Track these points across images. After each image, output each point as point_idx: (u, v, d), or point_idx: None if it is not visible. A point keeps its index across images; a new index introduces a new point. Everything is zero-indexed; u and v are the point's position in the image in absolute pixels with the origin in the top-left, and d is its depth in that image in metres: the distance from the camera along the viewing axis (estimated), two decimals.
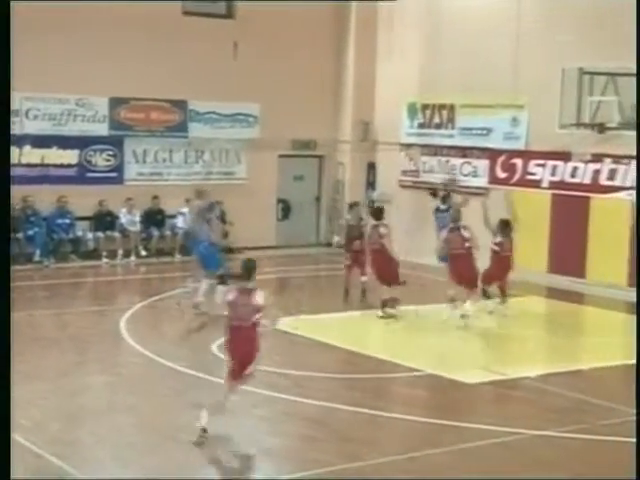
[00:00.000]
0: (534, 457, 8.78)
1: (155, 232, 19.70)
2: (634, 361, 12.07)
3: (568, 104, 16.95)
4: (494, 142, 18.80)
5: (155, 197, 19.79)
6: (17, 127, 17.81)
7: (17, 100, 17.67)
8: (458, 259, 13.96)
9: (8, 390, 6.29)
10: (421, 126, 20.43)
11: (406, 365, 11.68)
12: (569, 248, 17.42)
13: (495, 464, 8.54)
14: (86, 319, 14.08)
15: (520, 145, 18.36)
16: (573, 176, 17.41)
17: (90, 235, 19.21)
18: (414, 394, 10.91)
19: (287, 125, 20.43)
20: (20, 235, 17.89)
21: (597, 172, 17.00)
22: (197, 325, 13.60)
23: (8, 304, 6.53)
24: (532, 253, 17.33)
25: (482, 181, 19.04)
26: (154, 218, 19.83)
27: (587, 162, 17.07)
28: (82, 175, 19.18)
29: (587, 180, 17.18)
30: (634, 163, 16.29)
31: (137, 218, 19.57)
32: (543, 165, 17.90)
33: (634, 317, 15.17)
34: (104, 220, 19.35)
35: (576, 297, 16.57)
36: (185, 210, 19.05)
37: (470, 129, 19.31)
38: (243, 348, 8.84)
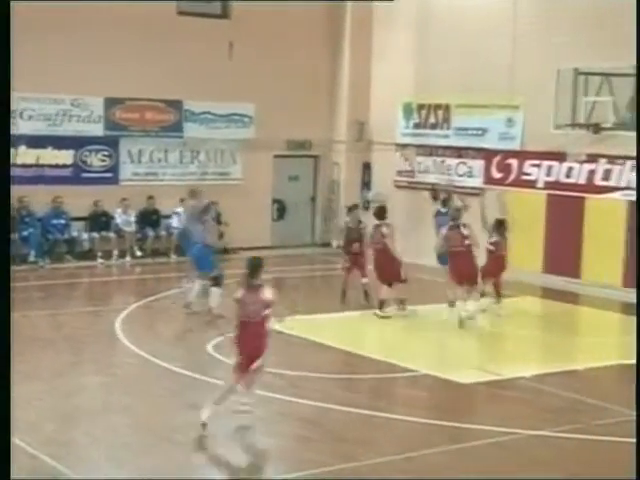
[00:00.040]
0: (529, 457, 8.79)
1: (150, 232, 19.69)
2: (629, 361, 12.11)
3: (563, 104, 16.98)
4: (489, 142, 18.81)
5: (150, 197, 19.78)
6: (12, 127, 17.77)
7: (12, 100, 17.63)
8: (457, 256, 14.04)
9: (8, 390, 6.30)
10: (416, 126, 20.43)
11: (401, 365, 11.68)
12: (564, 248, 17.44)
13: (491, 464, 8.55)
14: (81, 319, 14.07)
15: (515, 145, 18.38)
16: (568, 176, 17.43)
17: (85, 235, 19.19)
18: (409, 394, 10.91)
19: (282, 125, 20.43)
20: (15, 236, 17.85)
21: (592, 172, 17.02)
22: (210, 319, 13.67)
23: (8, 304, 6.54)
24: (527, 253, 17.35)
25: (477, 181, 19.05)
26: (149, 218, 19.81)
27: (582, 162, 17.09)
28: (77, 175, 19.15)
29: (582, 180, 17.20)
30: (629, 163, 16.33)
31: (132, 218, 19.55)
32: (538, 165, 17.92)
33: (629, 317, 15.21)
34: (99, 220, 19.33)
35: (571, 297, 16.58)
36: (180, 210, 19.05)
37: (465, 129, 19.32)
38: (252, 343, 9.03)
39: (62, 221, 18.83)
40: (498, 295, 14.87)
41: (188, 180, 19.76)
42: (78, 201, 18.93)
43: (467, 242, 13.97)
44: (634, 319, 14.85)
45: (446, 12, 19.61)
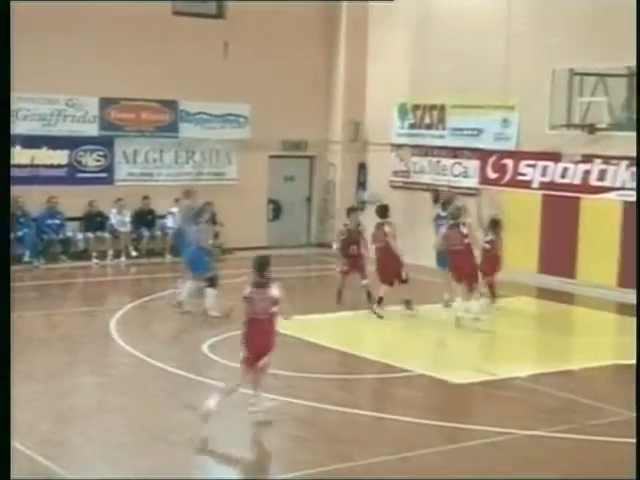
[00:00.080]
0: (525, 457, 8.79)
1: (145, 232, 19.67)
2: (625, 361, 12.14)
3: (558, 105, 17.00)
4: (485, 143, 18.83)
5: (145, 197, 19.76)
6: None
7: None
8: (457, 255, 14.09)
9: (8, 390, 6.30)
10: (412, 126, 20.44)
11: (397, 365, 11.68)
12: (559, 248, 17.45)
13: (486, 464, 8.54)
14: (76, 320, 14.05)
15: (511, 146, 18.39)
16: (563, 177, 17.45)
17: (80, 236, 19.17)
18: (405, 394, 10.91)
19: (278, 125, 20.43)
20: (10, 236, 17.82)
21: (587, 173, 17.04)
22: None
23: (8, 304, 6.54)
24: (522, 253, 17.38)
25: (473, 182, 19.07)
26: (144, 218, 19.79)
27: (577, 163, 17.11)
28: (72, 175, 19.13)
29: (577, 181, 17.22)
30: (624, 164, 16.35)
31: (127, 218, 19.54)
32: (533, 166, 17.93)
33: (624, 317, 15.25)
34: (94, 220, 19.31)
35: (566, 297, 16.60)
36: (175, 210, 19.03)
37: (461, 130, 19.33)
38: (260, 340, 9.13)
39: (57, 221, 18.81)
40: (493, 295, 14.90)
41: (183, 180, 19.75)
42: (73, 201, 18.90)
43: (466, 241, 14.04)
44: (629, 319, 14.90)
45: (441, 13, 19.63)
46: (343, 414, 9.75)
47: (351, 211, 15.80)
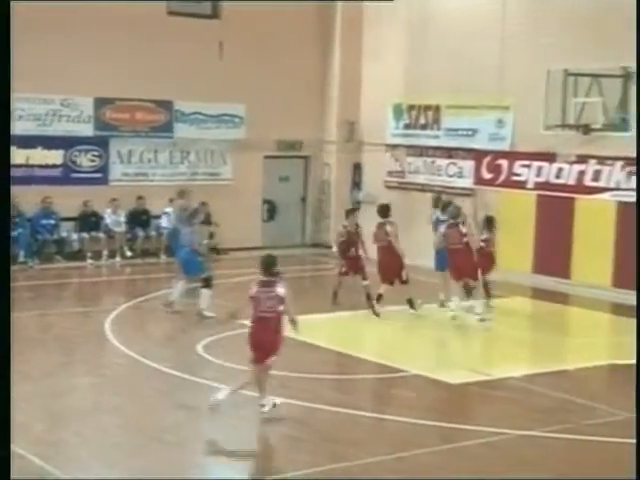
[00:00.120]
0: (519, 457, 8.80)
1: (140, 233, 19.65)
2: (619, 361, 12.18)
3: (553, 105, 17.03)
4: (479, 143, 18.84)
5: (140, 198, 19.74)
6: None
7: None
8: (456, 254, 14.17)
9: (8, 390, 6.29)
10: (407, 127, 20.45)
11: (392, 366, 11.69)
12: (554, 249, 17.47)
13: (481, 464, 8.55)
14: (71, 320, 14.03)
15: (505, 146, 18.41)
16: (558, 177, 17.47)
17: (75, 236, 19.14)
18: (400, 395, 10.92)
19: (273, 126, 20.42)
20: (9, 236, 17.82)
21: (582, 173, 17.06)
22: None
23: (8, 304, 6.53)
24: (517, 254, 17.39)
25: (467, 182, 19.09)
26: (139, 219, 19.78)
27: (572, 163, 17.14)
28: (67, 176, 19.10)
29: (572, 181, 17.24)
30: (618, 164, 16.38)
31: (122, 219, 19.52)
32: (528, 166, 17.95)
33: (619, 317, 15.30)
34: (89, 221, 19.29)
35: (561, 297, 16.62)
36: (169, 210, 19.03)
37: (456, 130, 19.35)
38: (268, 338, 9.24)
39: (51, 221, 18.78)
40: (488, 295, 14.92)
41: (178, 180, 19.74)
42: (68, 201, 18.87)
43: (466, 240, 14.13)
44: (624, 319, 14.95)
45: (436, 13, 19.64)
46: (338, 414, 9.75)
47: (349, 212, 15.81)
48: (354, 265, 15.02)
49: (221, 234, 19.86)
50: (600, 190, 16.78)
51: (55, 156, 18.95)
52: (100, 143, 19.36)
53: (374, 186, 20.88)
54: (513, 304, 15.81)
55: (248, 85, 20.08)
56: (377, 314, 14.36)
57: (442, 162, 19.67)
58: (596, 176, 16.84)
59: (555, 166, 17.43)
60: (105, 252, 19.13)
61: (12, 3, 7.94)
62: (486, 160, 18.75)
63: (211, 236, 19.88)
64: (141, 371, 11.34)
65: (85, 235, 19.14)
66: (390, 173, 20.78)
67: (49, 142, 18.77)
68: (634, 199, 16.10)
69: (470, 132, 19.05)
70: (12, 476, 7.69)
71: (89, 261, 18.89)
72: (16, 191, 17.86)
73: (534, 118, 17.21)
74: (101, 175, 19.45)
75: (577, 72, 16.79)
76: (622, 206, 16.42)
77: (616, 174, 16.48)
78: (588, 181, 16.98)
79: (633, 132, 15.86)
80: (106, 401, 10.15)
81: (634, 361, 11.84)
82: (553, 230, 17.48)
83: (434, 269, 15.42)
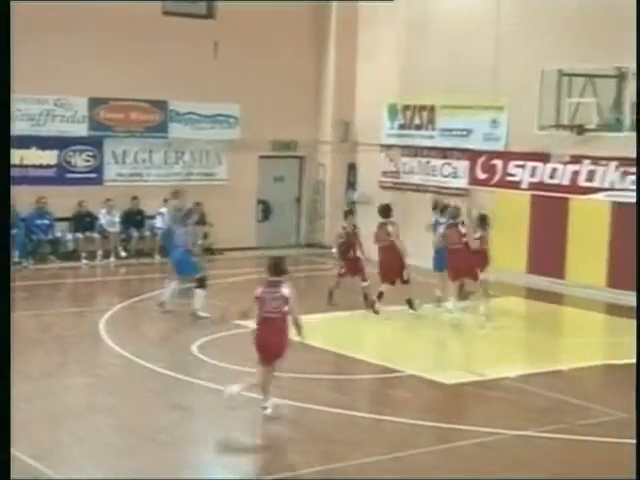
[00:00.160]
0: (514, 457, 8.81)
1: (135, 233, 19.63)
2: (613, 361, 12.21)
3: (547, 106, 17.04)
4: (474, 143, 18.86)
5: (135, 198, 19.72)
6: None
7: None
8: (456, 254, 14.25)
9: (8, 390, 6.28)
10: (401, 127, 20.46)
11: (387, 366, 11.70)
12: (548, 249, 17.49)
13: (475, 464, 8.56)
14: (65, 320, 14.01)
15: (500, 146, 18.43)
16: (552, 177, 17.49)
17: (69, 236, 19.11)
18: (394, 395, 10.93)
19: (267, 126, 20.42)
20: (9, 236, 17.75)
21: (576, 173, 17.08)
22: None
23: (8, 304, 6.52)
24: (511, 254, 17.41)
25: (462, 182, 19.10)
26: (134, 219, 19.76)
27: (566, 163, 17.16)
28: (61, 176, 19.07)
29: (566, 181, 17.27)
30: (612, 164, 16.41)
31: (117, 219, 19.49)
32: (522, 166, 17.97)
33: (613, 318, 15.32)
34: (83, 221, 19.26)
35: (555, 298, 16.64)
36: (164, 210, 19.01)
37: (450, 130, 19.37)
38: (273, 339, 9.28)
39: (46, 221, 18.75)
40: (484, 295, 14.95)
41: (173, 181, 19.73)
42: (62, 201, 18.84)
43: (465, 240, 14.20)
44: (618, 319, 14.99)
45: (431, 14, 19.66)
46: (332, 415, 9.75)
47: (347, 213, 15.81)
48: (353, 266, 15.04)
49: (216, 234, 19.85)
50: (594, 190, 16.80)
51: (49, 156, 18.92)
52: (94, 143, 19.34)
53: (369, 186, 20.89)
54: (507, 304, 15.82)
55: (243, 85, 20.07)
56: (377, 312, 14.40)
57: (437, 162, 19.68)
58: (590, 176, 16.86)
59: (549, 166, 17.46)
60: (99, 252, 19.10)
61: (12, 3, 7.93)
62: (480, 160, 18.77)
63: (206, 236, 19.85)
64: (135, 371, 11.32)
65: (79, 235, 19.12)
66: (385, 173, 20.79)
67: (43, 142, 18.73)
68: (628, 199, 16.14)
69: (465, 132, 19.07)
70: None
71: (83, 261, 18.87)
72: (10, 191, 17.93)
73: (528, 118, 17.23)
74: (95, 175, 19.43)
75: (571, 72, 16.82)
76: (616, 206, 16.46)
77: (610, 174, 16.51)
78: (582, 181, 17.01)
79: (627, 132, 15.89)
80: (100, 401, 10.14)
81: (628, 361, 11.89)
82: (547, 230, 17.50)
83: (432, 269, 15.46)
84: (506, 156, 18.27)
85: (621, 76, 16.06)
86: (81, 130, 19.16)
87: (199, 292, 14.15)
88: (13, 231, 18.07)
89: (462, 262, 14.18)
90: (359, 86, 21.36)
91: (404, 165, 20.37)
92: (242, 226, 20.61)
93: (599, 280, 16.63)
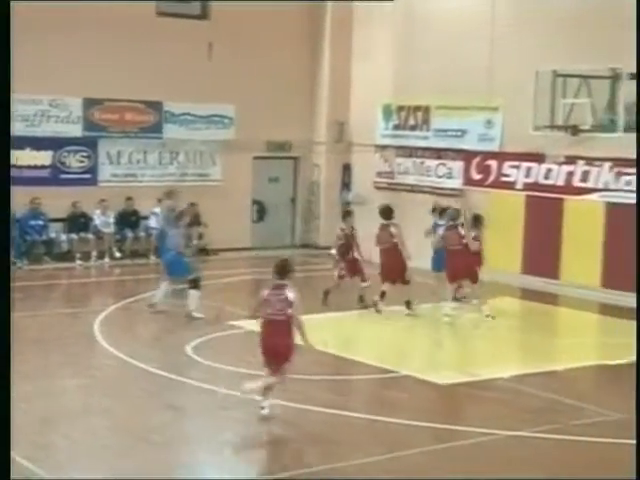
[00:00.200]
0: (508, 457, 8.82)
1: (129, 234, 19.62)
2: (608, 362, 12.22)
3: (542, 106, 17.06)
4: (469, 144, 18.87)
5: (129, 198, 19.70)
6: None
7: None
8: (455, 255, 14.29)
9: (8, 390, 6.28)
10: (396, 127, 20.46)
11: (382, 366, 11.70)
12: (543, 249, 17.51)
13: (470, 465, 8.57)
14: (60, 321, 14.00)
15: (494, 147, 18.45)
16: (547, 178, 17.51)
17: (64, 237, 19.09)
18: (389, 395, 10.94)
19: (262, 126, 20.41)
20: (9, 236, 17.71)
21: (570, 174, 17.11)
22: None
23: (8, 304, 6.51)
24: (506, 254, 17.42)
25: (457, 182, 19.12)
26: (128, 219, 19.74)
27: (560, 164, 17.19)
28: (56, 176, 19.05)
29: (561, 182, 17.29)
30: (607, 165, 16.43)
31: (111, 219, 19.48)
32: (517, 167, 17.99)
33: (607, 318, 15.35)
34: (78, 221, 19.24)
35: (550, 298, 16.65)
36: (158, 210, 18.99)
37: (445, 131, 19.38)
38: (277, 341, 9.32)
39: (40, 222, 18.73)
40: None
41: (167, 181, 19.71)
42: (56, 202, 18.82)
43: (464, 241, 14.23)
44: (612, 320, 15.02)
45: (426, 14, 19.66)
46: (328, 415, 9.76)
47: (346, 215, 15.82)
48: (352, 268, 15.04)
49: (210, 235, 19.85)
50: (589, 191, 16.83)
51: (44, 157, 18.89)
52: (89, 144, 19.32)
53: (363, 187, 20.90)
54: (502, 305, 15.82)
55: (237, 86, 20.07)
56: (379, 311, 14.46)
57: (431, 163, 19.70)
58: (585, 177, 16.89)
59: (544, 167, 17.48)
60: (94, 253, 19.08)
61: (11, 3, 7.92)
62: (475, 161, 18.79)
63: (200, 237, 19.88)
64: (130, 372, 11.31)
65: (74, 236, 19.10)
66: (379, 174, 20.79)
67: (38, 143, 18.71)
68: (622, 200, 16.19)
69: (459, 133, 19.08)
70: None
71: (78, 262, 18.85)
72: (10, 191, 17.90)
73: (523, 119, 17.24)
74: (90, 176, 19.41)
75: (566, 73, 16.84)
76: (610, 207, 16.49)
77: (604, 175, 16.54)
78: (577, 182, 17.03)
79: (621, 133, 15.92)
80: (95, 402, 10.13)
81: (623, 361, 11.93)
82: (542, 231, 17.52)
83: (431, 270, 15.50)
84: (501, 157, 18.29)
85: (615, 77, 16.08)
86: (76, 131, 19.14)
87: (193, 293, 14.14)
88: None
89: (461, 264, 14.22)
90: (354, 86, 21.37)
91: (399, 166, 20.38)
92: (237, 227, 20.60)
93: (594, 280, 16.66)
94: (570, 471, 8.48)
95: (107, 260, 19.19)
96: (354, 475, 8.26)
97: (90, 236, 19.17)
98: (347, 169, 21.70)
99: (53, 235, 18.96)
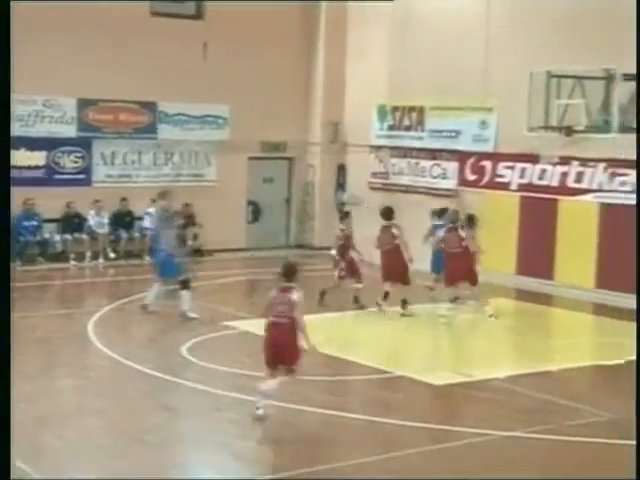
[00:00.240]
0: (502, 458, 8.82)
1: (123, 234, 19.59)
2: (602, 362, 12.24)
3: (536, 107, 17.08)
4: (463, 144, 18.88)
5: (123, 199, 19.67)
6: None
7: None
8: (454, 258, 14.31)
9: (8, 390, 6.26)
10: (391, 128, 20.47)
11: (376, 367, 11.70)
12: (537, 250, 17.53)
13: (464, 465, 8.57)
14: (54, 322, 13.97)
15: (489, 147, 18.47)
16: (541, 178, 17.53)
17: (58, 237, 19.06)
18: (384, 396, 10.94)
19: (257, 127, 20.40)
20: (9, 236, 17.67)
21: (565, 175, 17.13)
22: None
23: (8, 304, 6.50)
24: (501, 255, 17.43)
25: (451, 183, 19.13)
26: (122, 220, 19.71)
27: (555, 165, 17.21)
28: (50, 177, 19.02)
29: (555, 182, 17.31)
30: (601, 166, 16.46)
31: (105, 220, 19.45)
32: (512, 167, 18.01)
33: (601, 318, 15.37)
34: (72, 222, 19.21)
35: (544, 299, 16.67)
36: (151, 210, 18.96)
37: (440, 131, 19.39)
38: (278, 342, 9.34)
39: (34, 223, 18.70)
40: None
41: (162, 182, 19.65)
42: (50, 203, 18.78)
43: (465, 244, 14.24)
44: (606, 320, 15.05)
45: (420, 15, 19.68)
46: (323, 416, 9.75)
47: (344, 216, 15.81)
48: (350, 268, 15.05)
49: (205, 235, 19.83)
50: (583, 192, 16.85)
51: (38, 157, 18.86)
52: (83, 144, 19.29)
53: (358, 187, 20.90)
54: (497, 305, 15.83)
55: (232, 86, 20.05)
56: (384, 312, 14.49)
57: (426, 163, 19.71)
58: (579, 177, 16.91)
59: (538, 167, 17.50)
60: (88, 254, 19.05)
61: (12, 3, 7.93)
62: (470, 161, 18.80)
63: (195, 237, 19.86)
64: (124, 373, 11.30)
65: (68, 236, 19.07)
66: (374, 174, 20.80)
67: (32, 143, 18.67)
68: (616, 200, 16.23)
69: (454, 133, 19.10)
70: None
71: (72, 262, 18.82)
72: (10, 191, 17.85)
73: (517, 120, 17.26)
74: (84, 176, 19.38)
75: (560, 74, 16.87)
76: (605, 207, 16.51)
77: (599, 176, 16.56)
78: (571, 182, 17.06)
79: (615, 134, 15.95)
80: (89, 403, 10.11)
81: (617, 362, 11.96)
82: (536, 231, 17.54)
83: (430, 271, 15.54)
84: (495, 157, 18.30)
85: (609, 78, 16.11)
86: (70, 131, 19.10)
87: (184, 294, 14.11)
88: None
89: (461, 267, 14.21)
90: (348, 87, 21.37)
91: (393, 166, 20.39)
92: (232, 227, 20.59)
93: (588, 281, 16.68)
94: (564, 471, 8.49)
95: (101, 261, 19.16)
96: (350, 475, 8.26)
97: (84, 237, 19.15)
98: (342, 170, 21.70)
99: (47, 236, 18.93)
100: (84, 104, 19.14)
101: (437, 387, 11.03)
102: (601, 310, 15.73)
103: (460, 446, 8.97)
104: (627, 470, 7.34)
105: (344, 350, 12.69)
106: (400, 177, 20.16)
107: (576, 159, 16.84)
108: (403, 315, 14.52)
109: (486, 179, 18.51)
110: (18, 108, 18.38)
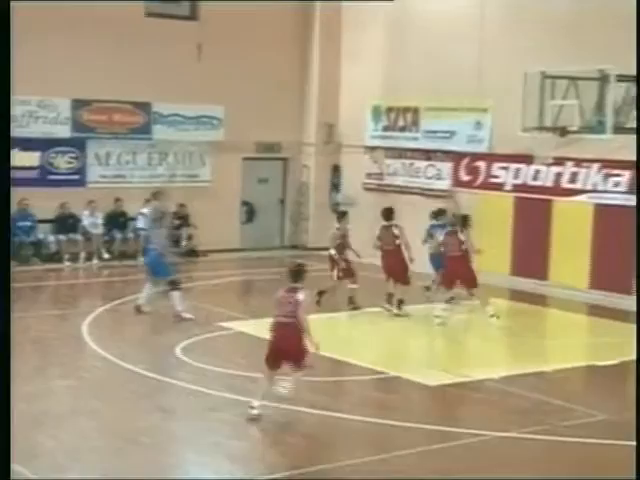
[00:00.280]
0: (497, 458, 8.83)
1: (118, 235, 19.57)
2: (597, 362, 12.26)
3: (530, 108, 17.07)
4: (458, 145, 18.90)
5: (118, 200, 19.65)
6: None
7: None
8: (454, 261, 14.32)
9: (8, 390, 6.24)
10: (385, 129, 20.48)
11: (370, 368, 11.70)
12: (532, 251, 17.55)
13: (459, 465, 8.58)
14: (48, 323, 13.95)
15: (483, 148, 18.49)
16: (535, 179, 17.56)
17: (52, 238, 19.02)
18: (379, 397, 10.94)
19: (251, 127, 20.40)
20: (9, 236, 17.64)
21: (559, 175, 17.16)
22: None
23: (8, 304, 6.48)
24: (495, 256, 17.42)
25: (446, 184, 19.14)
26: (117, 221, 19.69)
27: (549, 165, 17.23)
28: (44, 177, 18.98)
29: (549, 183, 17.34)
30: (595, 166, 16.49)
31: (100, 221, 19.43)
32: (506, 168, 18.03)
33: (595, 319, 15.40)
34: (66, 223, 19.18)
35: (539, 299, 16.69)
36: (145, 210, 18.93)
37: (434, 132, 19.40)
38: (281, 342, 9.37)
39: (28, 223, 18.66)
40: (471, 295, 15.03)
41: (156, 182, 19.59)
42: (45, 203, 18.75)
43: (464, 247, 14.26)
44: (601, 320, 15.07)
45: (415, 15, 19.69)
46: (317, 417, 9.75)
47: (341, 216, 15.81)
48: (346, 269, 15.04)
49: (200, 236, 19.82)
50: (577, 192, 16.88)
51: (32, 158, 18.82)
52: (77, 145, 19.26)
53: (353, 188, 20.91)
54: (491, 306, 15.84)
55: (226, 87, 20.04)
56: (390, 311, 14.51)
57: (421, 164, 19.72)
58: (573, 178, 16.94)
59: (532, 168, 17.52)
60: (82, 254, 19.03)
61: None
62: (464, 162, 18.82)
63: (190, 238, 19.86)
64: (118, 374, 11.28)
65: (62, 237, 19.03)
66: (369, 175, 20.81)
67: (26, 144, 18.60)
68: (611, 201, 16.25)
69: (448, 134, 19.11)
70: None
71: (66, 263, 18.79)
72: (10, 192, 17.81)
73: (512, 120, 17.24)
74: (78, 177, 19.35)
75: (554, 75, 16.85)
76: (599, 208, 16.54)
77: (593, 176, 16.60)
78: (565, 183, 17.09)
79: (609, 135, 15.96)
80: (83, 404, 10.09)
81: (611, 362, 11.97)
82: (531, 232, 17.56)
83: (430, 268, 15.53)
84: (489, 158, 18.32)
85: (603, 78, 16.10)
86: (64, 131, 19.07)
87: (175, 294, 14.09)
88: None
89: (460, 271, 14.22)
90: (343, 88, 21.38)
91: (388, 167, 20.40)
92: (226, 228, 20.58)
93: (582, 281, 16.71)
94: (559, 471, 8.50)
95: (95, 261, 19.14)
96: (344, 476, 8.26)
97: (78, 237, 19.12)
98: (336, 170, 21.71)
99: (41, 236, 18.89)
100: (78, 104, 19.11)
101: (432, 388, 11.04)
102: (595, 310, 15.75)
103: (455, 446, 8.98)
104: (621, 470, 7.36)
105: (339, 351, 12.68)
106: (395, 178, 20.17)
107: (570, 160, 16.87)
108: (397, 315, 14.52)
109: (480, 180, 18.53)
110: (12, 108, 18.35)
